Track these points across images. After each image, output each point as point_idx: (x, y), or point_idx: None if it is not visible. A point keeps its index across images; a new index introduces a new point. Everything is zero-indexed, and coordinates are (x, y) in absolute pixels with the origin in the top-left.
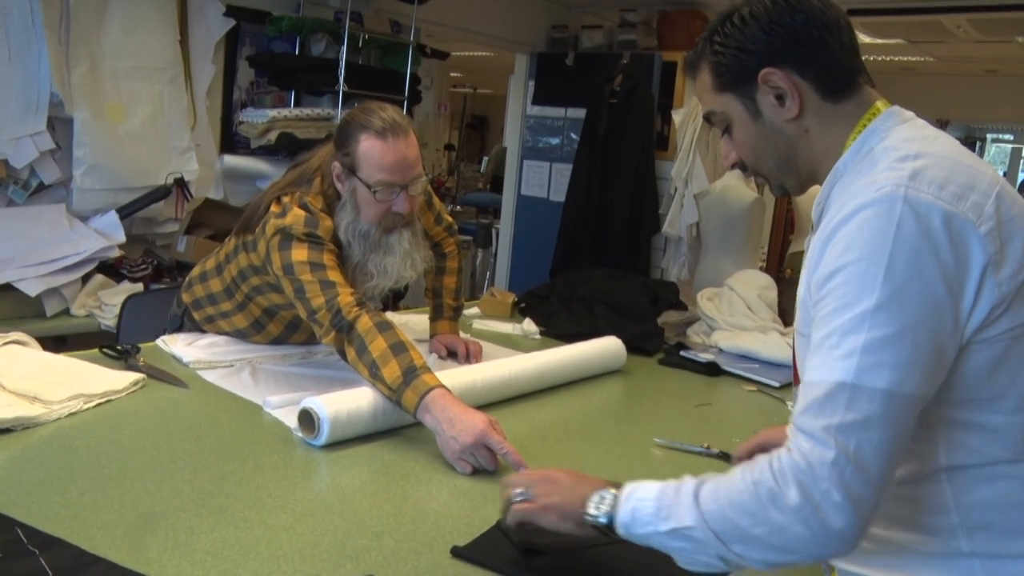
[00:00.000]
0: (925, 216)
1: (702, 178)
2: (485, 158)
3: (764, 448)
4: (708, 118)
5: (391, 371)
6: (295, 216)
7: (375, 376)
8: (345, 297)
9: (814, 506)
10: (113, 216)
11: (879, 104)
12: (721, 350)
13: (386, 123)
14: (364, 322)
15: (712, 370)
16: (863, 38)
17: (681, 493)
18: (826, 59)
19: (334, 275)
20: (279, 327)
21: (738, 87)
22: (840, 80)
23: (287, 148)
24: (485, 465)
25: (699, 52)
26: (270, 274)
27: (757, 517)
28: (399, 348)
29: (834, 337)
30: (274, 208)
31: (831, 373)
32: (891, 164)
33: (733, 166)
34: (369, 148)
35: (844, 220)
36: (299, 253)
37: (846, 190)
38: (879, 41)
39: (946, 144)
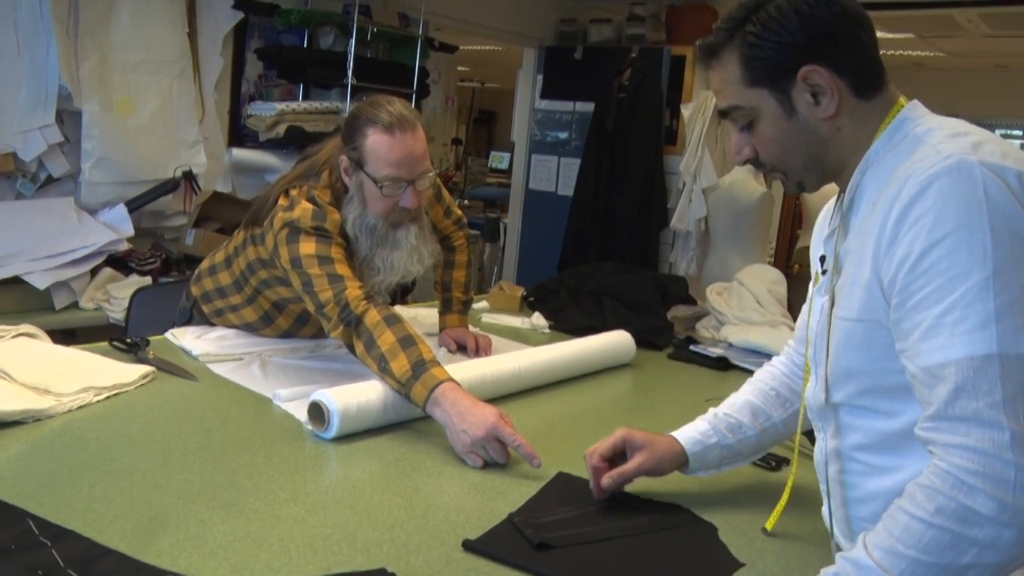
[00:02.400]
0: (1003, 176)
1: (711, 172)
2: (493, 152)
3: (621, 451)
4: (727, 112)
5: (400, 365)
6: (303, 209)
7: (384, 370)
8: (353, 291)
9: (1012, 499)
10: (122, 209)
11: (902, 100)
12: (731, 344)
13: (393, 117)
14: (372, 316)
15: (722, 364)
16: None
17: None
18: (860, 56)
19: (342, 269)
20: (288, 320)
21: (772, 82)
22: (872, 78)
23: (295, 141)
24: (496, 458)
25: (722, 41)
26: (278, 267)
27: (959, 546)
28: (408, 342)
29: (955, 312)
30: (282, 201)
31: (969, 348)
32: (946, 139)
33: (745, 162)
34: (376, 143)
35: (917, 194)
36: (307, 247)
37: (889, 174)
38: (889, 35)
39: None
